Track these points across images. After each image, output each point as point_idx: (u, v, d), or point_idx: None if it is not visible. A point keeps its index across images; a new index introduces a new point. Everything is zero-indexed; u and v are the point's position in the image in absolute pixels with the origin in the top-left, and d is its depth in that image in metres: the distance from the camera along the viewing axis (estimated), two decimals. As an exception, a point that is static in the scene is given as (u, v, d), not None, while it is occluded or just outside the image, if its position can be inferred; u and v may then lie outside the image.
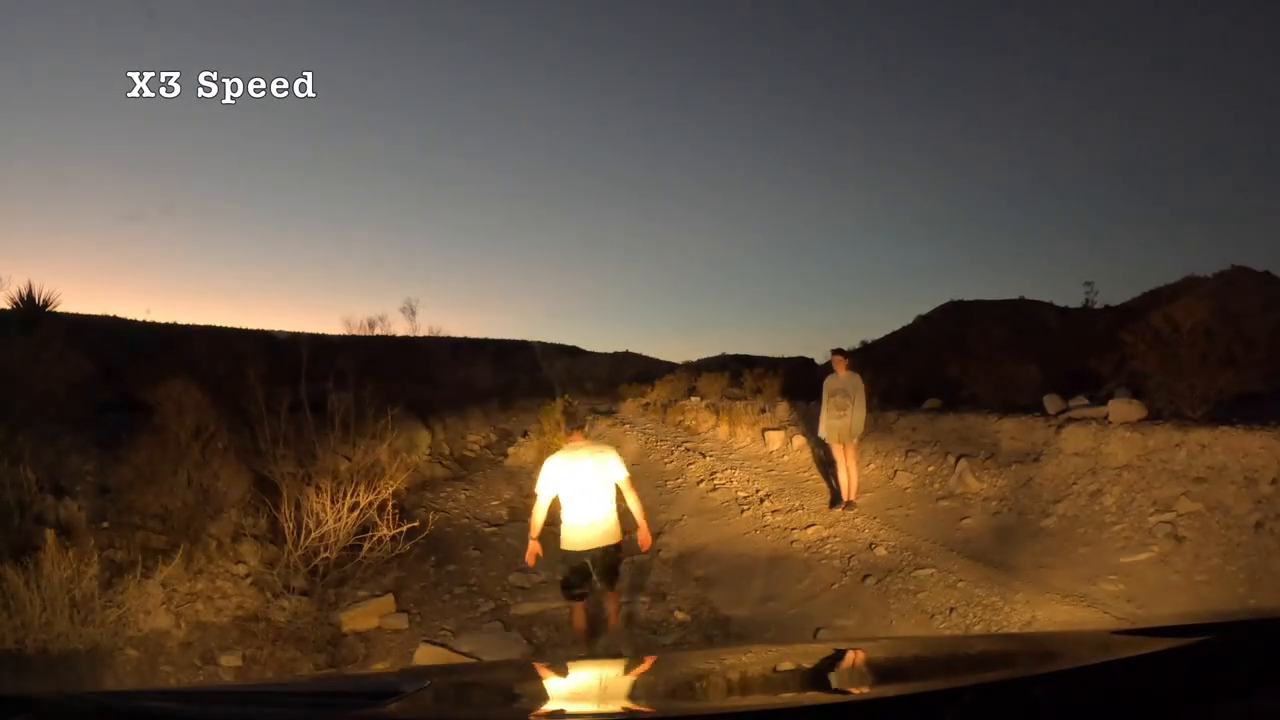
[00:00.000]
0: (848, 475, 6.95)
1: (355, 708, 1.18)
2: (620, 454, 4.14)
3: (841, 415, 6.73)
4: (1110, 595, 4.27)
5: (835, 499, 7.15)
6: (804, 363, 18.65)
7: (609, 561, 4.03)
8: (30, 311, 8.35)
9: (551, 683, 1.66)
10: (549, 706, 1.38)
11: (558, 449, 4.23)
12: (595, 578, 3.99)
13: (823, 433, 7.00)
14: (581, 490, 3.94)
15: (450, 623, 5.04)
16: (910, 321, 21.16)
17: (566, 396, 13.06)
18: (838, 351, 7.11)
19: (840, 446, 6.89)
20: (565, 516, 3.97)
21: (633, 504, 4.01)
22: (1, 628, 3.61)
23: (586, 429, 4.58)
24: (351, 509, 5.31)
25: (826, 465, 8.08)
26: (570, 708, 1.32)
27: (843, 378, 6.86)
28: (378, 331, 17.27)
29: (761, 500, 7.73)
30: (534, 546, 4.04)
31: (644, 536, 4.08)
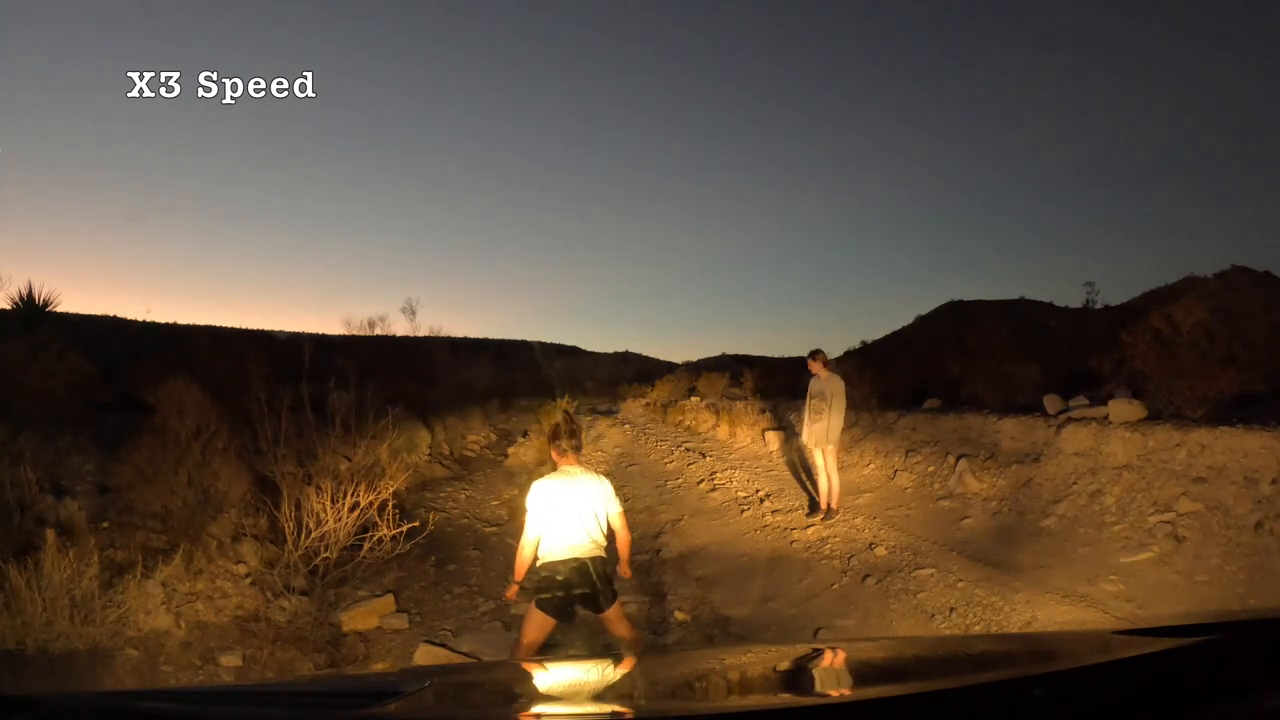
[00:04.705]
0: (828, 480, 6.71)
1: (355, 708, 1.18)
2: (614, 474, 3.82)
3: (819, 418, 6.56)
4: (1110, 595, 4.27)
5: (813, 506, 6.99)
6: (804, 363, 18.64)
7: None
8: (30, 311, 8.35)
9: (551, 682, 1.66)
10: (549, 706, 1.37)
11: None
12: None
13: (804, 437, 6.86)
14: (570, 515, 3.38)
15: (450, 623, 5.04)
16: (910, 321, 21.17)
17: (566, 404, 12.55)
18: (815, 353, 6.88)
19: (820, 451, 6.69)
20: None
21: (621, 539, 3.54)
22: (2, 628, 3.61)
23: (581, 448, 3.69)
24: (352, 509, 5.31)
25: (807, 469, 8.02)
26: (570, 707, 1.32)
27: (823, 379, 6.70)
28: (378, 331, 17.25)
29: (761, 500, 7.74)
30: (515, 589, 3.52)
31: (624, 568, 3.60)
